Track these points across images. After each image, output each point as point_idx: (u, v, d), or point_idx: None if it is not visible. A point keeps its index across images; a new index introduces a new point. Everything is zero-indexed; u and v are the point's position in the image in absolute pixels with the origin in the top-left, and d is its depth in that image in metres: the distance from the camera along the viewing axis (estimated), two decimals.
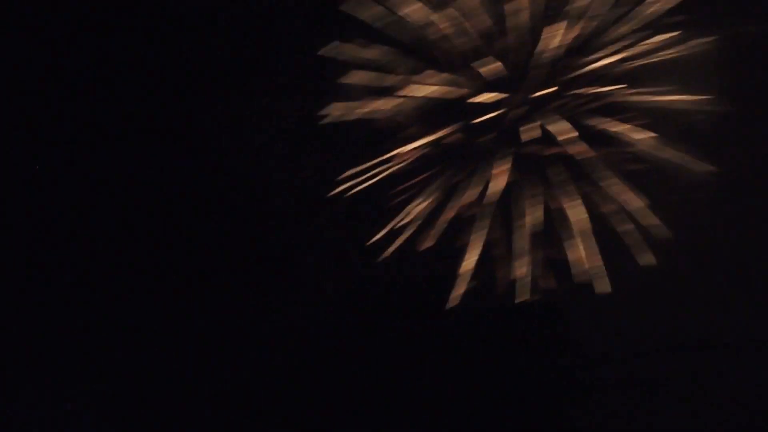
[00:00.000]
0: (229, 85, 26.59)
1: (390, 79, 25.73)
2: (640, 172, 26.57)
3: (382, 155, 25.63)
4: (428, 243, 25.62)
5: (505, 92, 26.22)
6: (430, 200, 26.10)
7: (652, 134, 25.90)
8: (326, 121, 25.66)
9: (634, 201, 26.35)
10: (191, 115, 26.07)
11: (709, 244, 26.76)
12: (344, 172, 25.61)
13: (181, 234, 25.98)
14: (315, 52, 25.30)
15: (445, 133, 26.23)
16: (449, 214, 25.99)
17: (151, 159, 25.84)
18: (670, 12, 25.84)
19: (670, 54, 25.78)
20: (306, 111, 25.54)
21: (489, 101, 26.06)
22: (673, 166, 26.23)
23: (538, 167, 26.69)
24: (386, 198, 26.01)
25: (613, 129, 26.08)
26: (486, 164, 26.37)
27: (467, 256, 25.92)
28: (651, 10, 25.89)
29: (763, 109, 25.85)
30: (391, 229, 25.77)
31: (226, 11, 26.17)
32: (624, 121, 26.06)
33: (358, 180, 25.60)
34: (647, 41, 25.89)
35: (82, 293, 25.62)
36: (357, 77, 25.52)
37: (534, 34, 26.04)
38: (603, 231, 26.41)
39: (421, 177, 26.13)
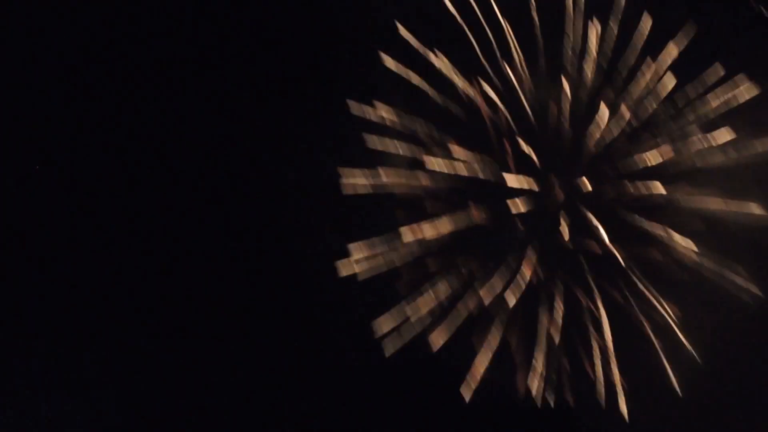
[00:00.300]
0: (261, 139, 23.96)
1: (417, 151, 23.21)
2: (680, 282, 23.95)
3: (400, 234, 22.82)
4: (440, 340, 22.54)
5: (541, 178, 23.78)
6: (447, 289, 23.19)
7: (697, 244, 23.40)
8: (345, 190, 22.89)
9: (667, 314, 23.65)
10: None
11: (739, 375, 23.94)
12: (358, 249, 22.71)
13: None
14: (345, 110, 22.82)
15: (469, 216, 23.55)
16: (466, 307, 23.07)
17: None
18: (730, 113, 23.76)
19: (728, 158, 23.53)
20: (326, 175, 22.75)
21: (523, 186, 23.53)
22: (718, 283, 23.71)
23: (570, 265, 23.98)
24: (401, 282, 23.13)
25: (657, 232, 23.51)
26: (512, 255, 23.65)
27: (480, 357, 22.88)
28: (708, 107, 23.75)
29: None
30: (403, 321, 22.75)
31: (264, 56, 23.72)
32: (671, 224, 23.53)
33: (371, 260, 22.74)
34: (702, 140, 23.66)
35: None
36: (382, 144, 23.05)
37: (580, 121, 23.81)
38: (630, 343, 23.61)
39: (439, 262, 23.33)
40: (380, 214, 23.04)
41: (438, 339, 22.61)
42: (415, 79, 23.22)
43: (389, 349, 22.48)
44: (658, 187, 23.31)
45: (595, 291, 23.67)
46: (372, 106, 22.91)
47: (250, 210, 23.76)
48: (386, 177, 23.10)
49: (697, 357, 23.28)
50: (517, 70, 23.69)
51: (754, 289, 23.45)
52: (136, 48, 24.35)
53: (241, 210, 24.10)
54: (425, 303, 22.82)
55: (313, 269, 22.94)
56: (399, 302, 22.77)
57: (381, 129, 23.30)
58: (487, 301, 23.03)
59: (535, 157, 23.55)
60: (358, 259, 22.51)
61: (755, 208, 23.19)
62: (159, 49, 24.29)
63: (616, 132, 23.59)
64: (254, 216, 23.81)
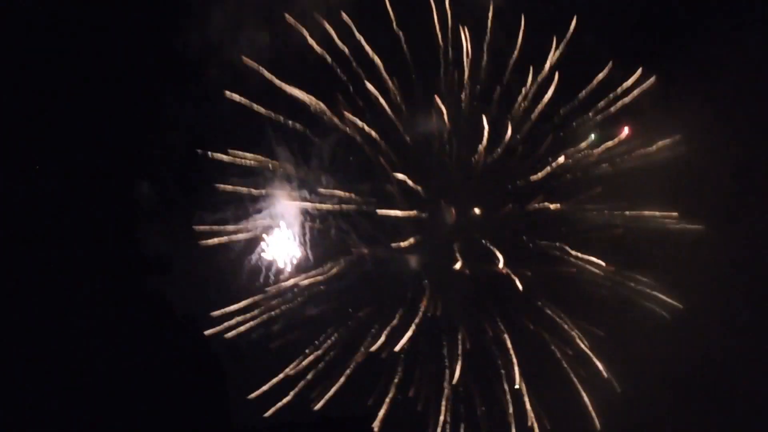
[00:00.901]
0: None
1: (278, 191, 21.59)
2: (600, 300, 21.98)
3: (270, 288, 21.41)
4: (323, 399, 21.00)
5: (430, 208, 22.11)
6: (329, 343, 21.65)
7: (607, 259, 21.42)
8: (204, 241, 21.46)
9: (581, 340, 21.66)
10: None
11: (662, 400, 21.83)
12: (223, 305, 21.26)
13: None
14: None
15: (358, 258, 21.99)
16: (360, 356, 21.53)
17: None
18: (622, 115, 21.70)
19: (623, 164, 21.50)
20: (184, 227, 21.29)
21: (407, 217, 21.88)
22: (635, 299, 21.70)
23: (472, 295, 22.26)
24: (276, 340, 21.67)
25: (555, 252, 21.61)
26: (406, 292, 22.04)
27: (376, 410, 21.28)
28: (603, 110, 21.73)
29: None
30: (282, 379, 21.28)
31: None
32: (572, 241, 21.58)
33: (240, 318, 21.34)
34: (596, 148, 21.68)
35: None
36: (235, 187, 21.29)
37: (463, 144, 22.02)
38: (545, 375, 21.72)
39: (317, 314, 21.75)
40: (256, 264, 21.61)
41: (323, 395, 21.13)
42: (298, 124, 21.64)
43: (268, 409, 21.05)
44: (551, 203, 21.46)
45: (499, 321, 21.88)
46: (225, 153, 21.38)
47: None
48: (250, 224, 21.70)
49: (616, 386, 21.33)
50: (394, 103, 21.87)
51: (674, 302, 21.37)
52: None
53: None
54: (309, 357, 21.38)
55: (180, 329, 21.55)
56: (280, 357, 21.32)
57: (244, 173, 21.78)
58: (380, 347, 21.47)
59: (420, 189, 21.84)
60: (231, 313, 21.22)
61: (658, 216, 21.17)
62: None
63: (500, 151, 21.73)
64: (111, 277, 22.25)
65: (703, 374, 20.83)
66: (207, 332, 21.06)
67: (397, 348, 21.12)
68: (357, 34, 21.23)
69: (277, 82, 21.25)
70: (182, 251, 20.97)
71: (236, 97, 20.87)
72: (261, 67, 21.02)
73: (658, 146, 21.36)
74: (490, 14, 21.61)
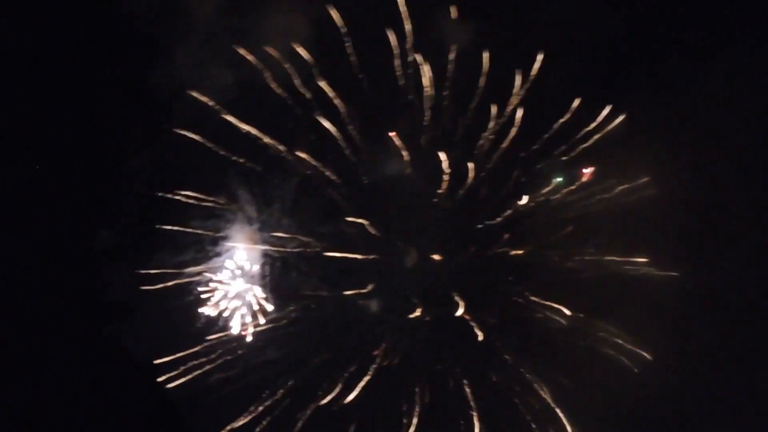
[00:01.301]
0: None
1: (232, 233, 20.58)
2: (571, 348, 20.87)
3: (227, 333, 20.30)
4: None
5: (389, 250, 21.06)
6: (284, 390, 20.45)
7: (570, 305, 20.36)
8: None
9: (547, 395, 20.55)
10: None
11: None
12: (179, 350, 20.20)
13: None
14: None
15: (305, 304, 20.89)
16: (304, 414, 20.31)
17: None
18: (590, 152, 20.76)
19: (592, 204, 20.56)
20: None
21: (366, 261, 20.83)
22: (600, 347, 20.60)
23: (430, 343, 21.14)
24: (232, 384, 20.48)
25: (520, 300, 20.56)
26: (358, 341, 20.89)
27: None
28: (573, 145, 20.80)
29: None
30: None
31: None
32: (536, 286, 20.55)
33: (195, 362, 20.11)
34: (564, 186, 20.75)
35: None
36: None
37: (424, 185, 21.01)
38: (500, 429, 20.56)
39: (273, 359, 20.59)
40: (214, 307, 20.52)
41: None
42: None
43: None
44: (515, 247, 20.46)
45: (460, 371, 20.72)
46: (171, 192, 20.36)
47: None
48: (210, 266, 20.65)
49: None
50: (354, 145, 20.89)
51: (643, 353, 20.29)
52: None
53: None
54: (264, 403, 20.19)
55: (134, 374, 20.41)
56: (235, 403, 20.15)
57: (205, 215, 20.77)
58: (333, 398, 20.27)
59: (378, 233, 20.81)
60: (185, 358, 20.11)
61: (627, 261, 20.20)
62: None
63: (462, 192, 20.76)
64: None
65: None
66: (160, 379, 20.01)
67: (348, 399, 19.92)
68: (317, 75, 20.38)
69: (236, 121, 20.40)
70: (138, 295, 20.11)
71: (194, 136, 20.03)
72: (219, 106, 20.20)
73: (620, 189, 20.43)
74: (452, 52, 20.77)
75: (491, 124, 20.52)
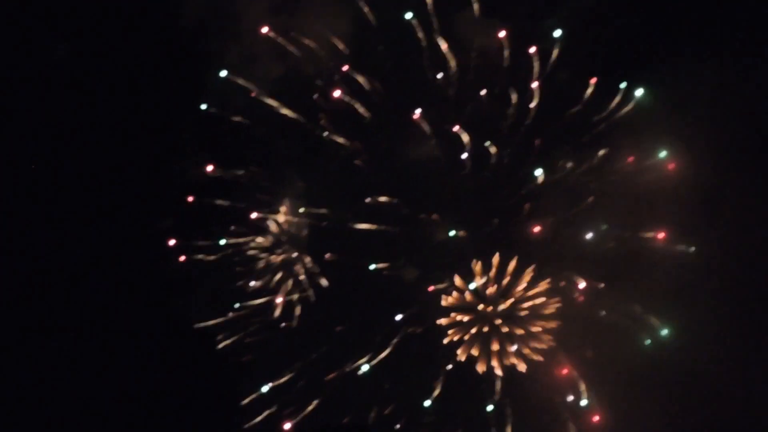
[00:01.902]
0: None
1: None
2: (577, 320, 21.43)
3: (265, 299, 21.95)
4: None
5: (417, 224, 22.23)
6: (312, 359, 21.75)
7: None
8: None
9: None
10: None
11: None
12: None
13: None
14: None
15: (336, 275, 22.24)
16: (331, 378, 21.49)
17: None
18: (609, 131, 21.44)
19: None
20: None
21: (395, 234, 22.03)
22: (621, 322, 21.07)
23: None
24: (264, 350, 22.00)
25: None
26: (385, 312, 22.01)
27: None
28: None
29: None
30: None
31: None
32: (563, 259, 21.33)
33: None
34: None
35: None
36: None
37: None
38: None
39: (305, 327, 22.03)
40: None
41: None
42: None
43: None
44: (537, 221, 21.30)
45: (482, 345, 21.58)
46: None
47: None
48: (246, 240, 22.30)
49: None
50: (381, 123, 22.32)
51: (660, 326, 20.67)
52: None
53: None
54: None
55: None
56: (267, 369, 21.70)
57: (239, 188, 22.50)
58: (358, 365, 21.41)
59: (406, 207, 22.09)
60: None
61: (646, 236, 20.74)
62: None
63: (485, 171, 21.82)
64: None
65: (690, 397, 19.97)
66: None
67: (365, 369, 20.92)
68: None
69: (270, 101, 22.12)
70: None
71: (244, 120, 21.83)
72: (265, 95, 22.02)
73: (638, 166, 21.00)
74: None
75: (512, 107, 21.66)
